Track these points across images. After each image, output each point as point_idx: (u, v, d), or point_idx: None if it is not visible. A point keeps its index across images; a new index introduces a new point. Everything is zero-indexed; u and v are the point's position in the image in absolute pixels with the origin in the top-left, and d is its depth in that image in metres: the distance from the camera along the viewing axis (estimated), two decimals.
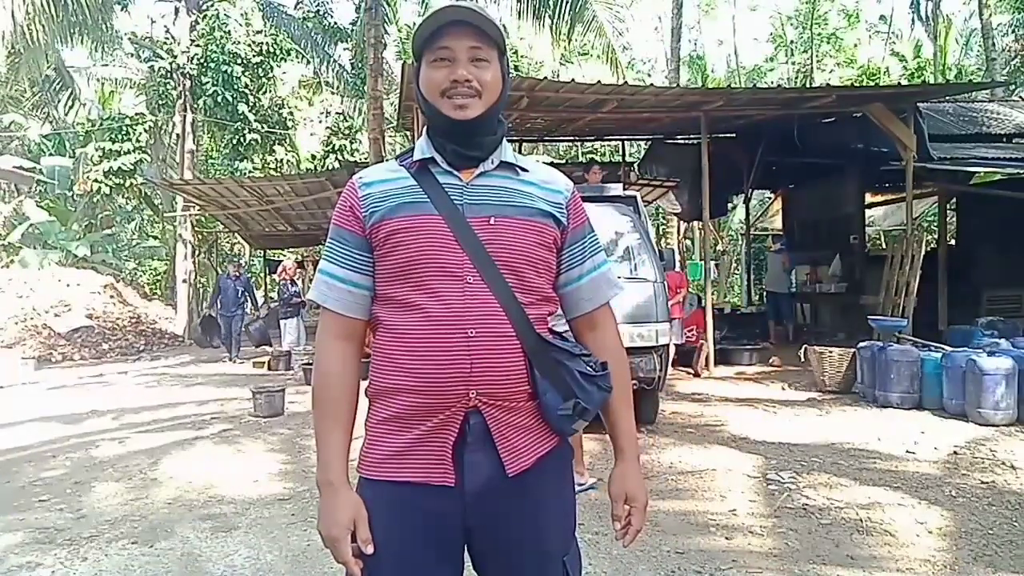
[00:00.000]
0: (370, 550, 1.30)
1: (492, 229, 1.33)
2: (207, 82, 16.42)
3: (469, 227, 1.32)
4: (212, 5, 16.53)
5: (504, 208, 1.35)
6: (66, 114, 21.10)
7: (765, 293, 13.03)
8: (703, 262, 12.86)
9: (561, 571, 1.39)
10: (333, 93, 22.12)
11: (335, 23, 21.05)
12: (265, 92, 18.63)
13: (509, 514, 1.35)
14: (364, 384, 1.40)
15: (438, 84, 1.34)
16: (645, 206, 7.47)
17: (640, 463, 1.50)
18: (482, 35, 1.33)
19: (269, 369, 10.70)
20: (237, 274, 12.29)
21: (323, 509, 1.33)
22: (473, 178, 1.37)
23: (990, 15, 19.49)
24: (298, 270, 12.60)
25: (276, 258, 20.69)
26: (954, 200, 12.25)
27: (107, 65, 22.66)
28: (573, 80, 12.56)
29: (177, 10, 17.14)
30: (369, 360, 1.40)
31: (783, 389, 7.61)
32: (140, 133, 17.33)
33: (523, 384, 1.33)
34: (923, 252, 8.66)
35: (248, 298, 12.38)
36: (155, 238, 24.46)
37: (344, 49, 21.95)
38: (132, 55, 20.46)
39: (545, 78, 11.27)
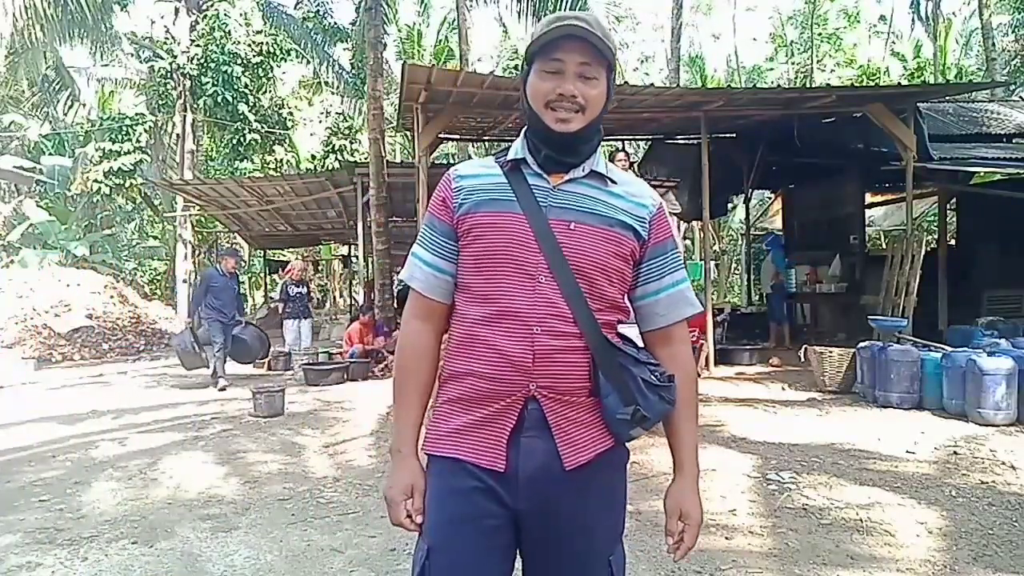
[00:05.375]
0: (419, 520, 1.41)
1: (571, 234, 1.38)
2: (207, 82, 16.44)
3: (550, 229, 1.37)
4: (212, 5, 16.55)
5: (586, 216, 1.39)
6: (66, 114, 21.12)
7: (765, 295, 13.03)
8: (703, 262, 12.85)
9: (607, 570, 1.42)
10: (333, 93, 22.15)
11: (335, 23, 21.06)
12: (265, 92, 18.65)
13: (561, 506, 1.38)
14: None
15: (544, 94, 1.38)
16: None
17: (698, 481, 1.50)
18: (594, 51, 1.37)
19: (269, 369, 10.69)
20: (233, 271, 9.37)
21: (390, 475, 1.45)
22: (561, 183, 1.42)
23: (990, 15, 19.49)
24: (306, 271, 11.18)
25: (276, 258, 20.69)
26: (954, 200, 12.25)
27: (107, 65, 22.68)
28: None
29: (177, 10, 17.17)
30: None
31: (783, 389, 7.61)
32: (140, 133, 17.35)
33: (583, 382, 1.38)
34: (923, 252, 8.66)
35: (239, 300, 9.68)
36: (155, 238, 24.49)
37: (344, 49, 21.97)
38: (132, 55, 20.49)
39: None
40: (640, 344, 1.52)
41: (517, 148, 1.46)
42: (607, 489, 1.44)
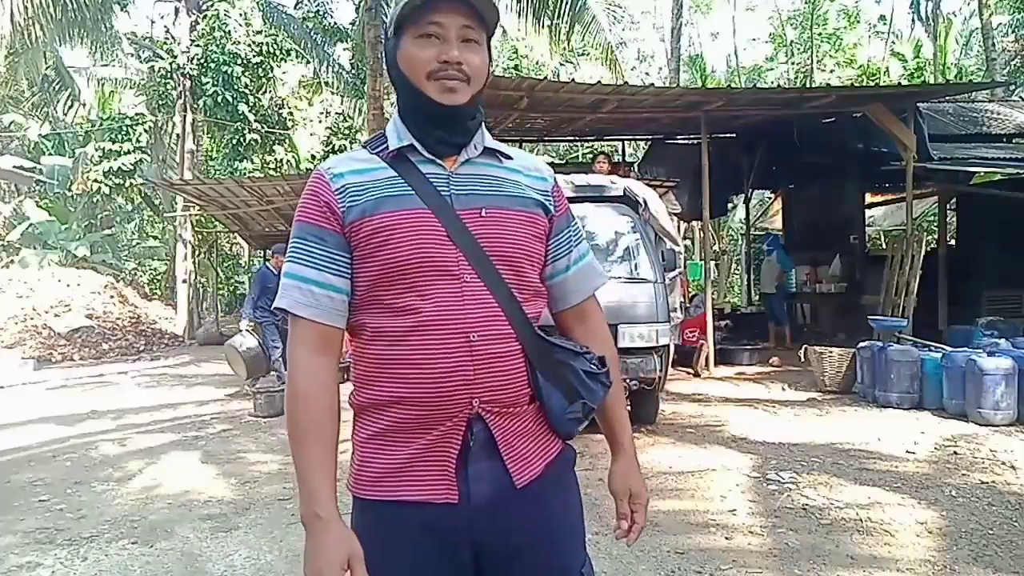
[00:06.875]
0: None
1: (484, 222, 1.23)
2: (207, 82, 16.42)
3: (460, 221, 1.22)
4: (212, 5, 16.53)
5: (495, 198, 1.26)
6: (66, 114, 21.11)
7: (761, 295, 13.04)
8: (703, 262, 12.85)
9: None
10: (333, 93, 22.11)
11: (335, 23, 21.06)
12: (265, 92, 18.63)
13: (520, 527, 1.25)
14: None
15: (424, 64, 1.21)
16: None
17: (637, 457, 1.44)
18: (475, 14, 1.21)
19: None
20: None
21: (312, 547, 1.16)
22: (457, 166, 1.26)
23: (990, 15, 19.47)
24: None
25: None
26: (954, 200, 12.25)
27: (107, 65, 22.66)
28: (573, 80, 12.56)
29: (177, 10, 17.14)
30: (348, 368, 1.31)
31: (783, 389, 7.61)
32: (140, 133, 17.34)
33: (525, 388, 1.25)
34: (923, 252, 8.66)
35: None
36: (155, 238, 24.48)
37: (344, 49, 21.96)
38: (132, 55, 20.48)
39: (545, 78, 11.28)
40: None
41: (397, 134, 1.27)
42: (562, 496, 1.33)
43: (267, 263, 9.32)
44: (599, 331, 1.43)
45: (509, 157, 1.33)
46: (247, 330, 8.25)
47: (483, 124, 1.32)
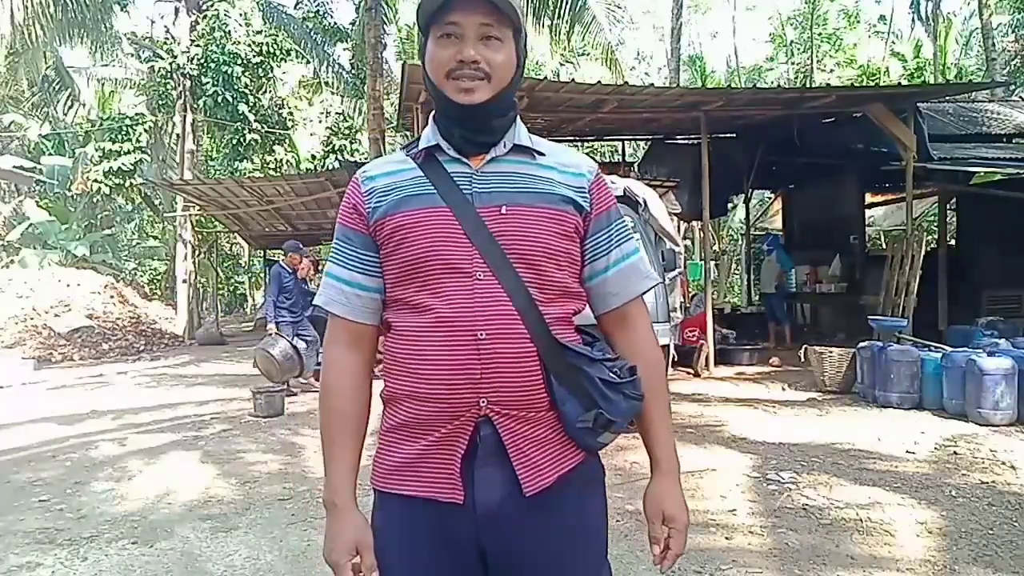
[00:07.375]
0: None
1: (504, 219, 1.21)
2: (207, 82, 16.43)
3: (478, 218, 1.21)
4: (212, 5, 16.54)
5: (518, 195, 1.23)
6: (66, 114, 21.13)
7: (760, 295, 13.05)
8: (703, 262, 12.86)
9: None
10: (333, 93, 22.13)
11: (335, 23, 21.08)
12: (265, 92, 18.65)
13: (527, 538, 1.22)
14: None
15: (443, 64, 1.21)
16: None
17: (679, 478, 1.35)
18: (495, 10, 1.19)
19: None
20: (298, 266, 8.59)
21: (328, 531, 1.26)
22: (483, 164, 1.26)
23: (990, 15, 19.49)
24: (309, 270, 9.81)
25: (276, 258, 20.67)
26: (954, 200, 12.26)
27: (107, 65, 22.68)
28: (573, 80, 12.57)
29: (177, 10, 17.15)
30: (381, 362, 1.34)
31: (783, 389, 7.61)
32: (140, 133, 17.35)
33: (540, 392, 1.22)
34: (923, 252, 8.67)
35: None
36: (155, 238, 24.50)
37: (344, 49, 21.99)
38: (132, 55, 20.49)
39: (545, 78, 11.29)
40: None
41: (428, 135, 1.29)
42: (579, 512, 1.28)
43: (280, 262, 9.16)
44: (642, 339, 1.35)
45: (543, 153, 1.30)
46: (275, 332, 8.00)
47: (518, 121, 1.31)
